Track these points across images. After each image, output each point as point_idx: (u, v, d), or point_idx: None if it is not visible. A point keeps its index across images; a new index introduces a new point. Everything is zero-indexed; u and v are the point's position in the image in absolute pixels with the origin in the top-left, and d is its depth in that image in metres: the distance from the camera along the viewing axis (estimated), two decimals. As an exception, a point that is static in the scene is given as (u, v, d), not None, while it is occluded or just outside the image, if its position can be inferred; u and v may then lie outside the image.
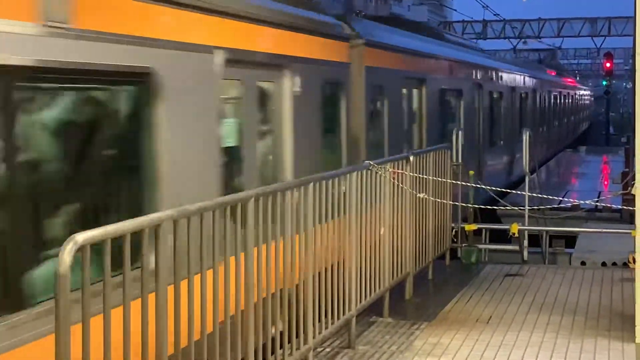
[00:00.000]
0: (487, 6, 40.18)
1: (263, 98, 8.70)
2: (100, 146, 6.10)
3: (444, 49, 17.55)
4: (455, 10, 53.49)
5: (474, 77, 19.22)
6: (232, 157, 7.87)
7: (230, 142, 7.92)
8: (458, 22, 49.21)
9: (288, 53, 9.01)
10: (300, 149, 9.11)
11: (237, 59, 7.79)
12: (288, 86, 8.97)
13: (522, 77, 27.02)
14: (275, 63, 8.73)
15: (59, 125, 5.67)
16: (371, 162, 8.15)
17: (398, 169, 8.91)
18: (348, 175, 7.51)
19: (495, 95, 21.75)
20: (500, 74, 22.57)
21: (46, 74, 5.38)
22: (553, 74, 40.65)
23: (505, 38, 49.60)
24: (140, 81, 6.34)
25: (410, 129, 14.18)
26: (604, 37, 51.72)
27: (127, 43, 6.06)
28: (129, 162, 6.40)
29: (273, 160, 8.79)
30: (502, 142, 22.40)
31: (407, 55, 13.92)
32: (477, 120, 19.36)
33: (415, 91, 14.38)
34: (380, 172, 8.28)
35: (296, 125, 9.04)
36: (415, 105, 14.44)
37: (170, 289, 4.61)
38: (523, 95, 26.77)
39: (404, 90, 13.67)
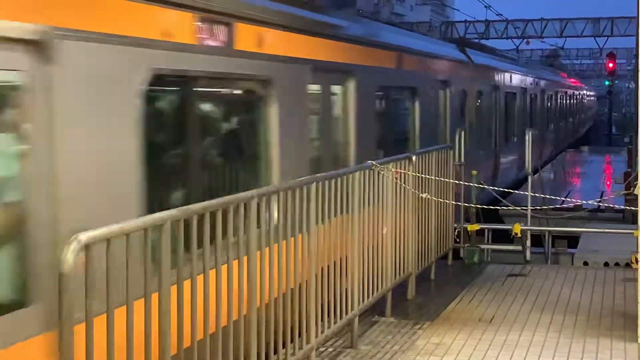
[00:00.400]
0: (489, 6, 40.18)
1: (442, 98, 15.70)
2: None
3: (506, 65, 24.60)
4: (457, 10, 53.48)
5: (521, 84, 26.19)
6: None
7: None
8: (460, 22, 49.19)
9: (450, 75, 16.10)
10: (451, 126, 15.72)
11: (442, 80, 15.59)
12: (449, 92, 15.93)
13: (549, 82, 34.83)
14: (444, 80, 15.63)
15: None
16: (374, 162, 8.15)
17: (400, 169, 8.91)
18: (351, 175, 7.52)
19: (532, 96, 28.90)
20: (535, 79, 29.80)
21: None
22: (565, 76, 47.65)
23: (507, 38, 49.55)
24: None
25: (491, 118, 21.44)
26: (606, 38, 51.67)
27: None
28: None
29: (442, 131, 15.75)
30: (535, 130, 28.78)
31: (490, 71, 21.40)
32: (522, 114, 26.27)
33: (493, 94, 21.52)
34: (382, 172, 8.28)
35: (451, 113, 16.09)
36: (493, 103, 21.53)
37: (174, 288, 4.62)
38: (548, 95, 34.20)
39: (489, 94, 20.97)
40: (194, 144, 6.68)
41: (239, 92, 8.00)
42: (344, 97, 10.23)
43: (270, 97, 7.96)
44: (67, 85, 4.89)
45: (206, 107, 7.32)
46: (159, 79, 5.96)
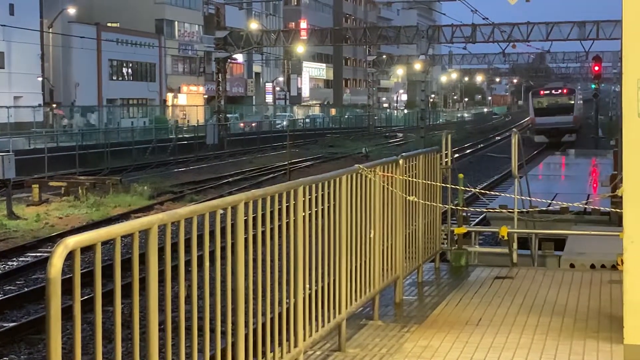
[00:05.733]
0: (476, 10, 40.36)
1: None
2: None
3: None
4: (444, 14, 53.63)
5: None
6: None
7: None
8: (447, 25, 49.29)
9: None
10: None
11: None
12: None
13: None
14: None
15: None
16: (360, 166, 8.17)
17: (388, 172, 8.94)
18: (338, 178, 7.54)
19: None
20: None
21: None
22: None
23: (494, 42, 49.70)
24: None
25: None
26: (592, 41, 51.99)
27: None
28: None
29: None
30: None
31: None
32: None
33: None
34: (369, 176, 8.30)
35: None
36: None
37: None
38: None
39: None
40: None
41: None
42: None
43: None
44: None
45: None
46: None
